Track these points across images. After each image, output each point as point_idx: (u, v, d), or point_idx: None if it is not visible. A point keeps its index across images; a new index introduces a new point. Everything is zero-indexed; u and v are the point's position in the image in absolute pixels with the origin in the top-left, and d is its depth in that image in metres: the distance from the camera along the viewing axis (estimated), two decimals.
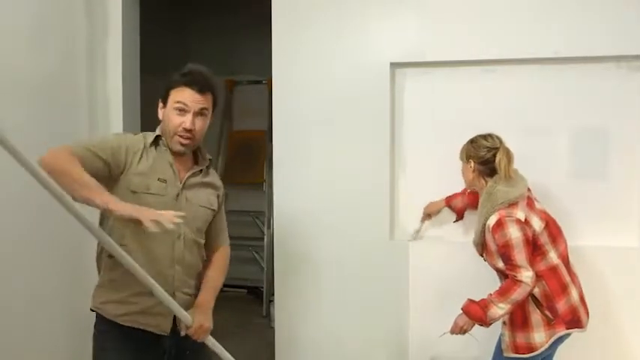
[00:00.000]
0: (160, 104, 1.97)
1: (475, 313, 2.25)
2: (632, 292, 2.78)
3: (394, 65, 3.02)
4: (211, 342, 1.96)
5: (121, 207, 1.60)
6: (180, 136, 1.91)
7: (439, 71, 3.00)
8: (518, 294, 2.16)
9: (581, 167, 2.88)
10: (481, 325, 2.28)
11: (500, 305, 2.18)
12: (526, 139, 2.91)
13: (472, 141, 2.43)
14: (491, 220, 2.23)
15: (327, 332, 3.12)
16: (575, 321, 2.25)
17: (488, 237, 2.27)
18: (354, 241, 3.05)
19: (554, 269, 2.25)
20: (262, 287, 5.19)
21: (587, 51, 2.78)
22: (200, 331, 1.89)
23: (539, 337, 2.22)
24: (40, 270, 2.72)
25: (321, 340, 3.14)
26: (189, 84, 1.90)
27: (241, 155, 5.68)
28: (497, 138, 2.41)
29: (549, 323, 2.22)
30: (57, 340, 2.81)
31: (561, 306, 2.23)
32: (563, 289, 2.25)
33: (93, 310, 1.95)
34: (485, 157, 2.36)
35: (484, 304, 2.23)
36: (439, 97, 2.99)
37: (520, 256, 2.17)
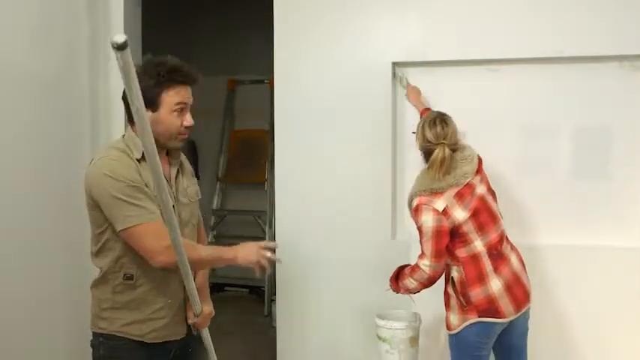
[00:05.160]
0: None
1: (391, 279, 2.48)
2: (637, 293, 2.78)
3: (396, 65, 3.02)
4: (206, 333, 2.00)
5: (245, 260, 1.78)
6: (182, 134, 1.84)
7: (441, 71, 3.00)
8: (419, 276, 2.32)
9: (584, 167, 2.88)
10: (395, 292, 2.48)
11: (411, 280, 2.36)
12: (528, 138, 2.92)
13: (422, 124, 2.39)
14: (413, 203, 2.33)
15: (328, 331, 3.13)
16: (492, 311, 2.25)
17: (411, 214, 2.37)
18: (355, 241, 3.05)
19: (475, 257, 2.27)
20: (264, 287, 5.19)
21: (590, 50, 2.78)
22: (207, 318, 1.96)
23: (454, 319, 2.32)
24: (41, 273, 2.71)
25: (323, 340, 3.14)
26: (185, 81, 1.80)
27: (243, 154, 5.69)
28: (444, 129, 2.33)
29: (462, 309, 2.29)
30: (57, 345, 2.82)
31: (475, 295, 2.25)
32: (480, 278, 2.26)
33: (105, 336, 1.84)
34: (425, 147, 2.37)
35: (402, 274, 2.42)
36: (441, 97, 2.99)
37: (427, 244, 2.27)
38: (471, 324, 2.27)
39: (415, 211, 2.31)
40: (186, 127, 1.84)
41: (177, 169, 1.92)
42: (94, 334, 1.88)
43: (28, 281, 2.63)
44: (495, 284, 2.26)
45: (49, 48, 2.77)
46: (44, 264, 2.73)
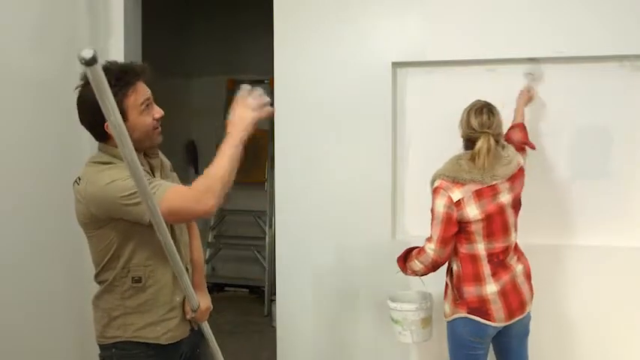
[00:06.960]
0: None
1: (399, 260, 2.50)
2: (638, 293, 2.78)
3: (396, 65, 3.02)
4: (206, 325, 1.98)
5: (250, 122, 1.80)
6: (157, 128, 1.80)
7: (440, 71, 3.00)
8: (424, 259, 2.35)
9: (584, 167, 2.88)
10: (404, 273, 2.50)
11: (416, 262, 2.39)
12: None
13: (468, 111, 2.34)
14: (435, 183, 2.32)
15: (328, 331, 3.13)
16: (482, 311, 2.27)
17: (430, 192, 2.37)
18: (355, 241, 3.05)
19: (474, 258, 2.29)
20: (264, 287, 5.19)
21: (590, 50, 2.78)
22: (205, 313, 1.93)
23: (447, 308, 2.38)
24: (41, 276, 2.71)
25: (322, 340, 3.14)
26: (138, 79, 1.73)
27: (243, 154, 5.68)
28: (490, 118, 2.29)
29: (455, 301, 2.32)
30: (59, 347, 2.82)
31: (468, 291, 2.29)
32: (475, 278, 2.28)
33: (119, 344, 1.78)
34: (468, 135, 2.34)
35: (410, 257, 2.44)
36: (440, 97, 2.99)
37: (435, 228, 2.29)
38: (460, 317, 2.30)
39: (433, 192, 2.32)
40: (159, 119, 1.79)
41: (160, 171, 1.86)
42: (105, 347, 1.81)
43: (28, 282, 2.63)
44: (491, 288, 2.27)
45: (49, 49, 2.77)
46: (45, 264, 2.73)
